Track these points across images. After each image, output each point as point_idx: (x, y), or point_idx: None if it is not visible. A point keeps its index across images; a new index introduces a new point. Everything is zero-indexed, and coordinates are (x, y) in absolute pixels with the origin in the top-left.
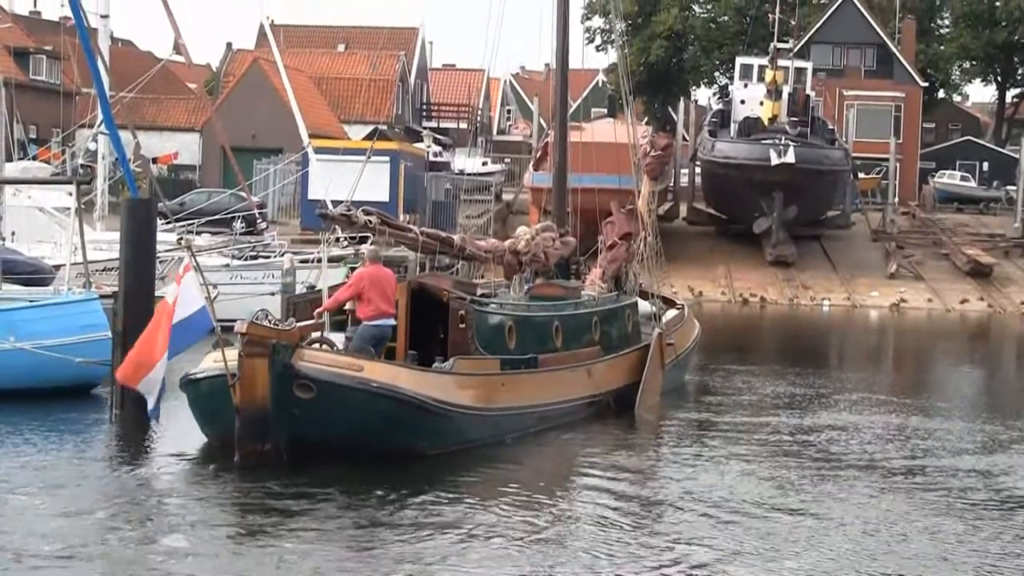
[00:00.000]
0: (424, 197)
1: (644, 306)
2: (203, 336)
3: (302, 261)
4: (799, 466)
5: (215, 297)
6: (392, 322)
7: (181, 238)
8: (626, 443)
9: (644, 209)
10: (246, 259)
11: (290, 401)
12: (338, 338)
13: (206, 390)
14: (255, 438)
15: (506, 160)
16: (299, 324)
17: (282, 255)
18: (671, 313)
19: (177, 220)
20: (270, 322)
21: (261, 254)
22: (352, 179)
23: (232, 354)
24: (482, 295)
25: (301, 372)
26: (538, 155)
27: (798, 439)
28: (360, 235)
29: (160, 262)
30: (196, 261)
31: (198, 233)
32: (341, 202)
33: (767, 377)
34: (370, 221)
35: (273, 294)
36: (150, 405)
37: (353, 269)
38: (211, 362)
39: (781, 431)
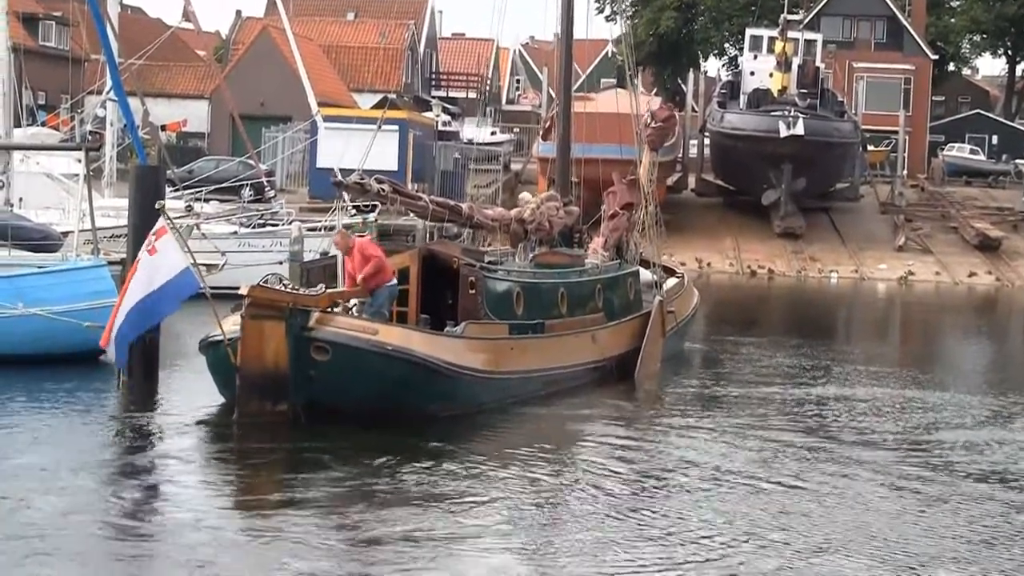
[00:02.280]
0: (433, 166)
1: (645, 275)
2: (189, 297)
3: (310, 229)
4: (799, 438)
5: (223, 264)
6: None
7: (188, 204)
8: (627, 410)
9: (645, 180)
10: (254, 227)
11: (307, 363)
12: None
13: (220, 354)
14: (260, 399)
15: (515, 130)
16: (330, 291)
17: (290, 223)
18: (671, 282)
19: (185, 188)
20: (284, 286)
21: (269, 222)
22: (361, 148)
23: (233, 317)
24: (490, 262)
25: (318, 335)
26: (546, 125)
27: (799, 411)
28: (370, 203)
29: None
30: (172, 223)
31: (206, 200)
32: (351, 171)
33: (771, 349)
34: (383, 190)
35: (281, 262)
36: (115, 356)
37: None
38: (230, 325)
39: (782, 402)
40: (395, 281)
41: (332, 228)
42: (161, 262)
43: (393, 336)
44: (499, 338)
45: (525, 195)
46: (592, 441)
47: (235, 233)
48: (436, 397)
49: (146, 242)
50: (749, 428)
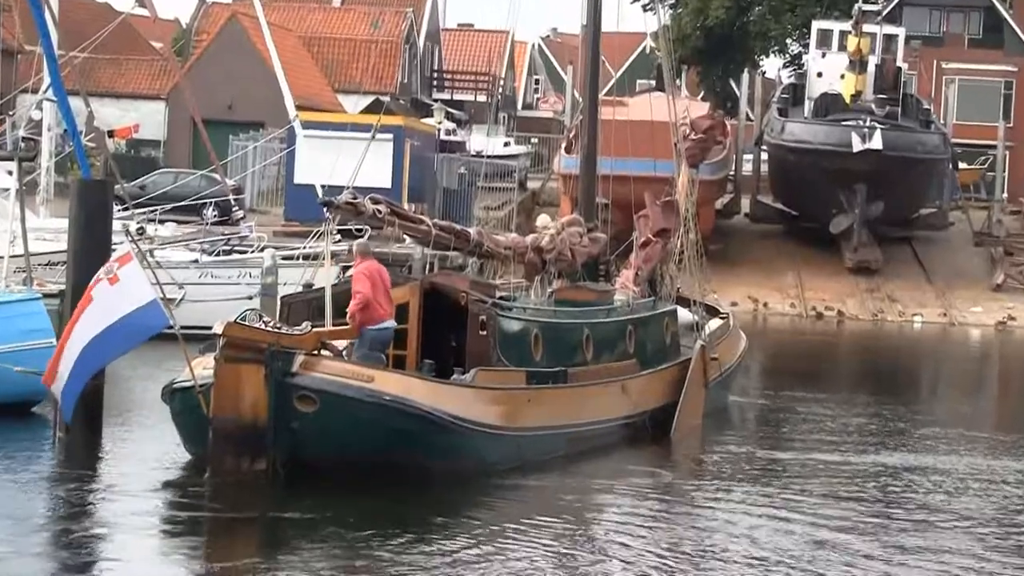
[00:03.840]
0: (434, 183)
1: (684, 315)
2: (154, 334)
3: (285, 258)
4: (867, 518)
5: (181, 299)
6: (394, 324)
7: (140, 227)
8: (661, 476)
9: (683, 200)
10: (218, 254)
11: (289, 414)
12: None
13: (188, 402)
14: (235, 455)
15: (533, 141)
16: (318, 329)
17: (262, 250)
18: (715, 323)
19: (137, 206)
20: (265, 324)
21: (236, 248)
22: (347, 161)
23: (203, 360)
24: (502, 298)
25: (302, 381)
26: (570, 136)
27: (868, 484)
28: (360, 227)
29: None
30: (139, 248)
31: (162, 222)
32: (336, 188)
33: (837, 407)
34: (379, 211)
35: (251, 297)
36: (61, 402)
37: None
38: (200, 369)
39: (848, 473)
40: (389, 323)
41: (313, 256)
42: (123, 293)
43: (391, 384)
44: (514, 388)
45: (544, 219)
46: (619, 514)
47: (195, 262)
48: (439, 455)
49: (105, 269)
50: (806, 505)
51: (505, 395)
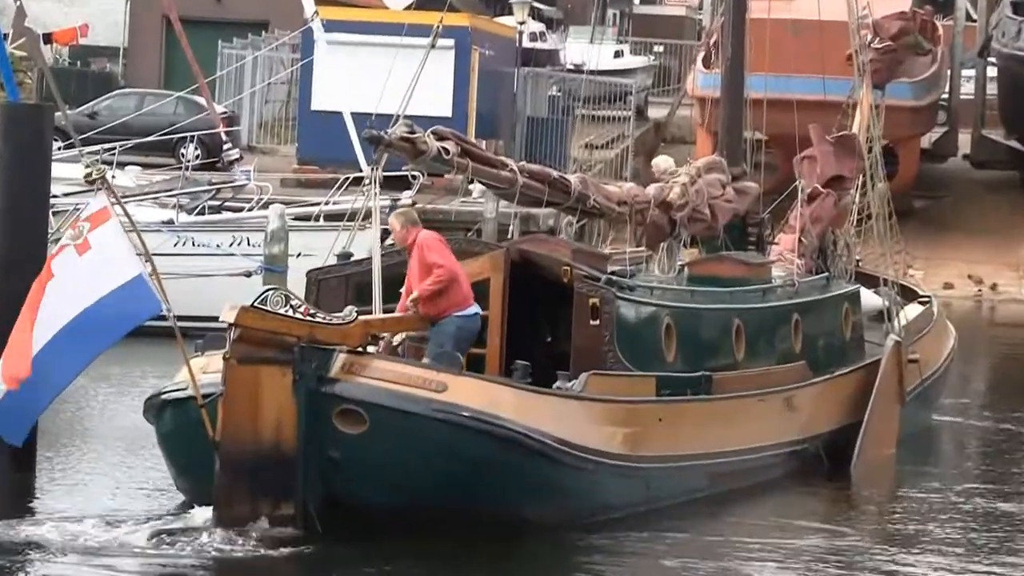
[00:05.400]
0: (513, 111)
1: (869, 299)
2: (140, 323)
3: (298, 218)
4: None
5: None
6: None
7: (90, 167)
8: (839, 535)
9: (864, 136)
10: (203, 212)
11: (327, 437)
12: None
13: (184, 419)
14: (251, 495)
15: (656, 50)
16: (366, 317)
17: (265, 206)
18: (913, 311)
19: (86, 142)
20: (294, 309)
21: (228, 204)
22: (385, 77)
23: (203, 362)
24: (614, 273)
25: (345, 391)
26: (710, 42)
27: None
28: (411, 173)
29: (55, 213)
30: (119, 201)
31: (120, 166)
32: (378, 117)
33: None
34: (445, 150)
35: (250, 274)
36: (11, 423)
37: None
38: (200, 374)
39: None
40: (474, 309)
41: (336, 217)
42: (98, 265)
43: (471, 394)
44: (640, 400)
45: (664, 161)
46: None
47: (170, 223)
48: (537, 497)
49: (70, 232)
50: None
51: (627, 411)
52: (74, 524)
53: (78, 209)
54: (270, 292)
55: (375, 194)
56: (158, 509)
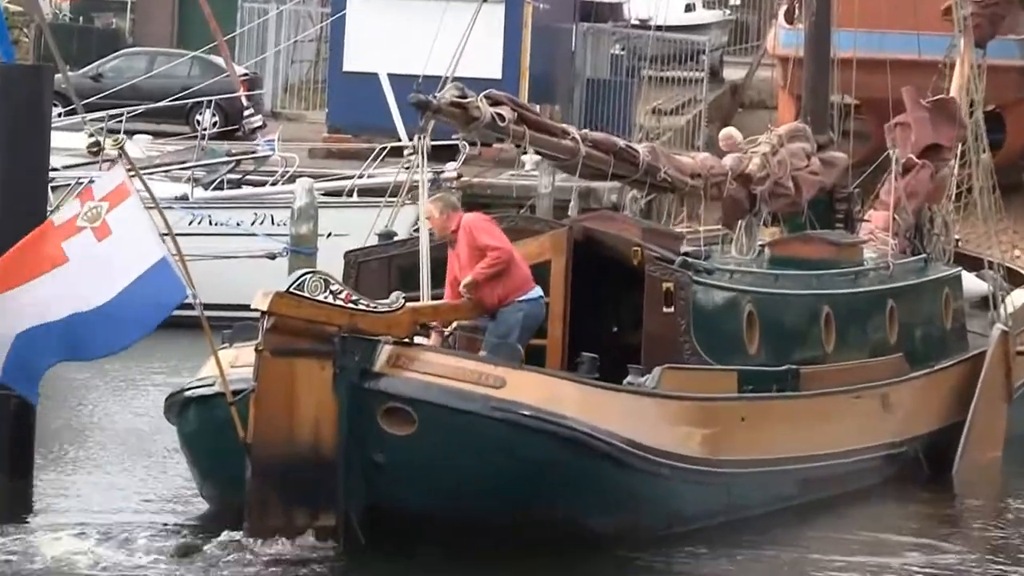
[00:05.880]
0: (571, 72)
1: (971, 282)
2: (168, 314)
3: (327, 194)
4: None
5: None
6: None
7: (94, 136)
8: (941, 551)
9: (965, 100)
10: (221, 187)
11: (371, 439)
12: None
13: (211, 418)
14: (286, 504)
15: (733, 3)
16: (414, 304)
17: (291, 180)
18: (1020, 296)
19: (90, 108)
20: (334, 293)
21: (249, 178)
22: (425, 34)
23: (232, 355)
24: (686, 255)
25: (393, 388)
26: None
27: None
28: (464, 140)
29: (55, 188)
30: (139, 174)
31: (128, 134)
32: (407, 80)
33: None
34: (500, 116)
35: (274, 256)
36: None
37: None
38: (229, 368)
39: None
40: (537, 292)
41: (371, 192)
42: (121, 249)
43: (532, 391)
44: (721, 398)
45: (731, 133)
46: None
47: (183, 198)
48: (604, 506)
49: (85, 213)
50: None
51: (706, 410)
52: (77, 539)
53: (80, 183)
54: (307, 276)
55: (422, 166)
56: (178, 521)
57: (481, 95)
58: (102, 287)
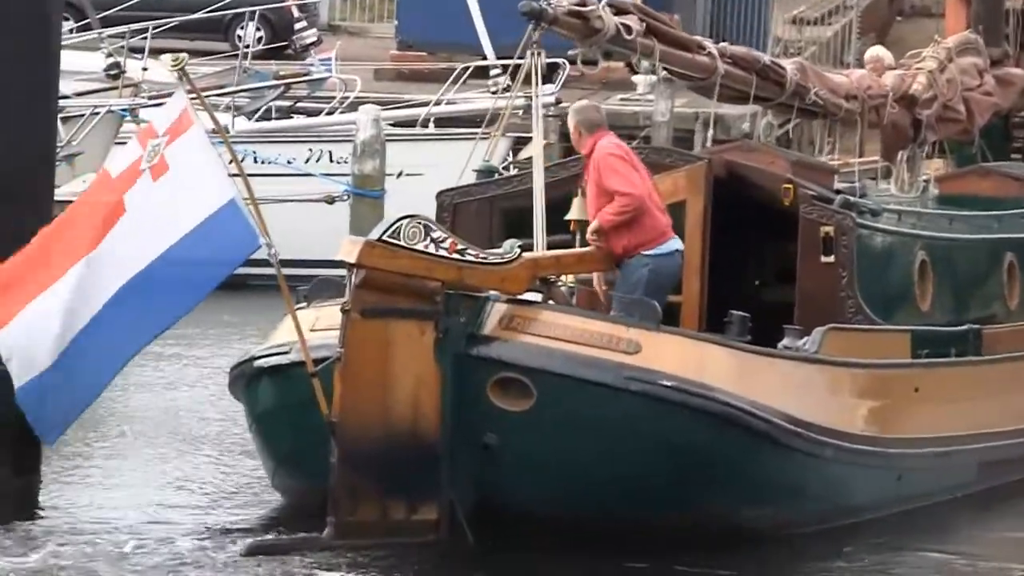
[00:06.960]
0: None
1: None
2: (237, 267)
3: (397, 124)
4: None
5: None
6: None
7: (112, 57)
8: None
9: None
10: (268, 116)
11: (481, 416)
12: None
13: (287, 393)
14: (379, 494)
15: None
16: (533, 254)
17: (352, 108)
18: None
19: (107, 23)
20: (436, 242)
21: (302, 105)
22: None
23: (312, 317)
24: (839, 192)
25: (505, 354)
26: None
27: None
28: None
29: (66, 119)
30: (202, 97)
31: (154, 54)
32: None
33: None
34: (626, 27)
35: (332, 200)
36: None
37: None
38: (308, 332)
39: None
40: (672, 245)
41: (450, 123)
42: (183, 188)
43: (673, 358)
44: (893, 364)
45: (877, 52)
46: None
47: (224, 130)
48: (759, 494)
49: (144, 151)
50: None
51: (876, 378)
52: (105, 543)
53: (96, 114)
54: (404, 221)
55: (535, 89)
56: (244, 517)
57: (602, 2)
58: (156, 238)
